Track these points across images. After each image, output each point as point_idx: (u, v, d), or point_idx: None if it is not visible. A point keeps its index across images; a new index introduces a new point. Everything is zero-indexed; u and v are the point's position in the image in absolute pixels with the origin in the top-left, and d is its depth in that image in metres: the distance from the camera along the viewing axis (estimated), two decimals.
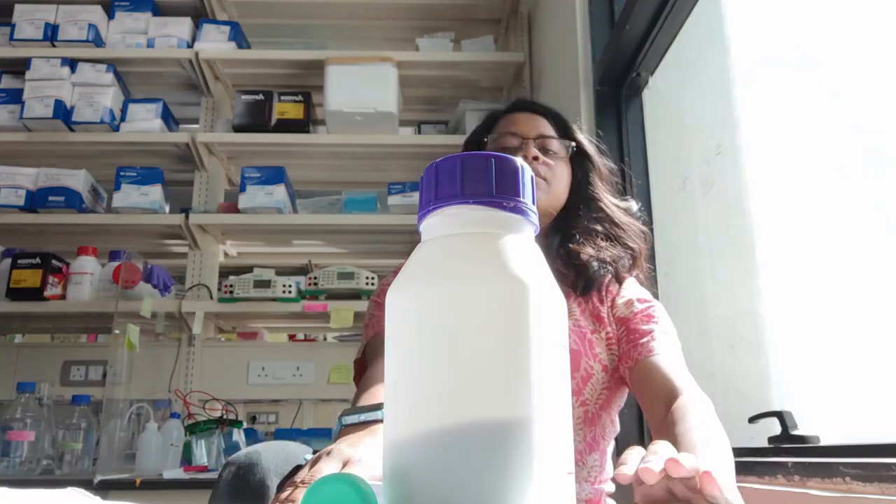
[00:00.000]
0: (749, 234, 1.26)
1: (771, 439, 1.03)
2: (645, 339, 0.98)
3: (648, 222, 1.63)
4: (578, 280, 1.05)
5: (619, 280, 1.07)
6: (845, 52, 1.02)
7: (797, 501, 0.80)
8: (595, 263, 1.04)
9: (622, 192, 1.22)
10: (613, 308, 1.05)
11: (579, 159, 1.13)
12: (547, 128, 1.12)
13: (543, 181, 1.07)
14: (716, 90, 1.44)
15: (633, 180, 1.67)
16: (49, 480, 1.97)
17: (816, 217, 1.07)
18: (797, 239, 1.12)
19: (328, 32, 3.01)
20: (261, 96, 2.59)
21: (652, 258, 1.59)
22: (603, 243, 1.07)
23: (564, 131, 1.13)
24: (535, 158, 1.07)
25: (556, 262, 1.07)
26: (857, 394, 0.96)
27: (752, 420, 1.08)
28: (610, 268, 1.06)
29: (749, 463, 0.95)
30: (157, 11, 2.73)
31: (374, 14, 2.86)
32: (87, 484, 1.80)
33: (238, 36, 2.68)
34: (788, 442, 0.99)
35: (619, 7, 1.79)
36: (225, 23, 2.72)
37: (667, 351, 0.96)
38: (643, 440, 1.48)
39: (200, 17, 2.75)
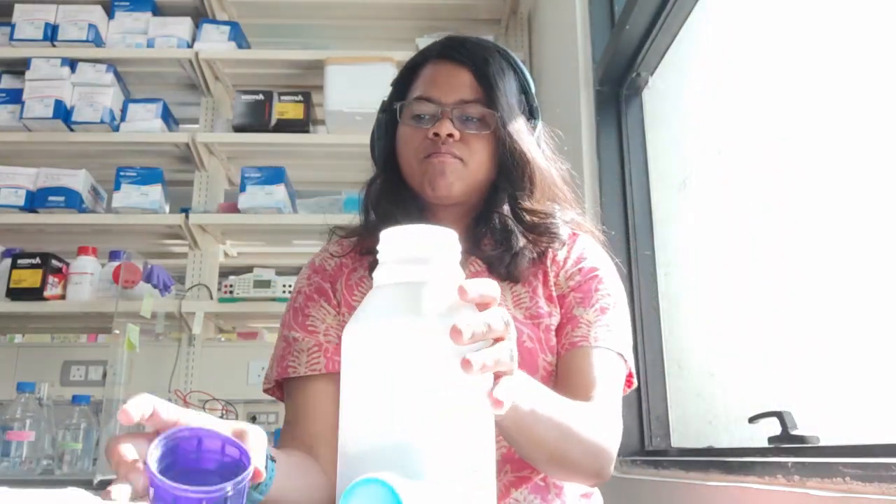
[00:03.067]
0: (749, 234, 1.26)
1: (771, 439, 1.02)
2: (576, 330, 0.91)
3: (648, 223, 1.63)
4: (497, 271, 0.94)
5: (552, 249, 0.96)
6: (846, 51, 1.02)
7: (797, 501, 0.80)
8: (506, 256, 0.93)
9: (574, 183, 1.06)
10: (557, 285, 0.95)
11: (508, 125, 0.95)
12: (469, 88, 0.94)
13: (459, 161, 0.93)
14: (716, 90, 1.44)
15: (633, 180, 1.67)
16: (49, 480, 1.97)
17: (817, 216, 1.07)
18: (797, 238, 1.12)
19: (328, 32, 3.01)
20: (261, 96, 2.59)
21: (652, 258, 1.59)
22: (517, 228, 0.94)
23: (488, 92, 0.94)
24: (450, 136, 0.92)
25: (483, 248, 0.95)
26: (857, 394, 0.96)
27: (752, 420, 1.07)
28: (528, 254, 0.94)
29: (749, 463, 0.95)
30: (157, 11, 2.73)
31: (374, 14, 2.86)
32: (87, 484, 1.80)
33: (238, 36, 2.68)
34: (788, 442, 0.99)
35: (619, 7, 1.79)
36: (225, 23, 2.72)
37: (595, 344, 0.89)
38: (643, 441, 1.48)
39: (200, 17, 2.75)
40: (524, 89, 1.01)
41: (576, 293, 0.94)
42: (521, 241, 0.94)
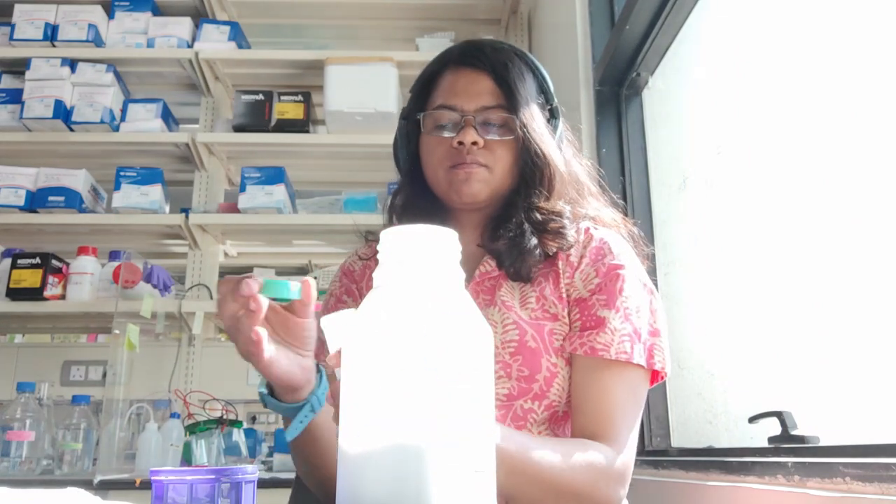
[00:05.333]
0: (749, 234, 1.26)
1: (771, 439, 1.03)
2: (600, 335, 0.87)
3: (648, 223, 1.63)
4: (505, 268, 0.93)
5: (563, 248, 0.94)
6: (845, 51, 1.02)
7: (797, 501, 0.80)
8: (514, 253, 0.92)
9: (602, 188, 1.06)
10: (572, 286, 0.93)
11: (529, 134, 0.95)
12: (489, 94, 0.95)
13: (484, 169, 0.93)
14: (716, 90, 1.44)
15: (633, 180, 1.67)
16: (49, 480, 1.97)
17: (817, 216, 1.07)
18: (797, 238, 1.12)
19: (328, 32, 3.01)
20: (261, 96, 2.59)
21: (652, 258, 1.59)
22: (529, 228, 0.94)
23: (509, 97, 0.94)
24: (475, 143, 0.92)
25: (498, 246, 0.95)
26: (857, 394, 0.96)
27: (752, 420, 1.08)
28: (537, 253, 0.92)
29: (749, 463, 0.95)
30: (157, 11, 2.73)
31: (374, 14, 2.86)
32: (87, 484, 1.80)
33: (238, 36, 2.68)
34: (788, 442, 0.99)
35: (619, 7, 1.79)
36: (225, 23, 2.72)
37: (618, 357, 0.86)
38: (643, 441, 1.48)
39: (200, 17, 2.75)
40: (543, 90, 1.01)
41: (599, 295, 0.90)
42: (533, 241, 0.93)
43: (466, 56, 0.98)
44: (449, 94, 0.97)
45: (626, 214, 1.06)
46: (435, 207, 1.00)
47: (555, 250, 0.94)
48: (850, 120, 1.00)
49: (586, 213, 0.99)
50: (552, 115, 1.01)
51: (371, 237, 1.08)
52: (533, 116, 0.96)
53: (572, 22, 1.91)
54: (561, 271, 0.94)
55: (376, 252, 1.02)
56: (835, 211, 1.03)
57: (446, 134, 0.95)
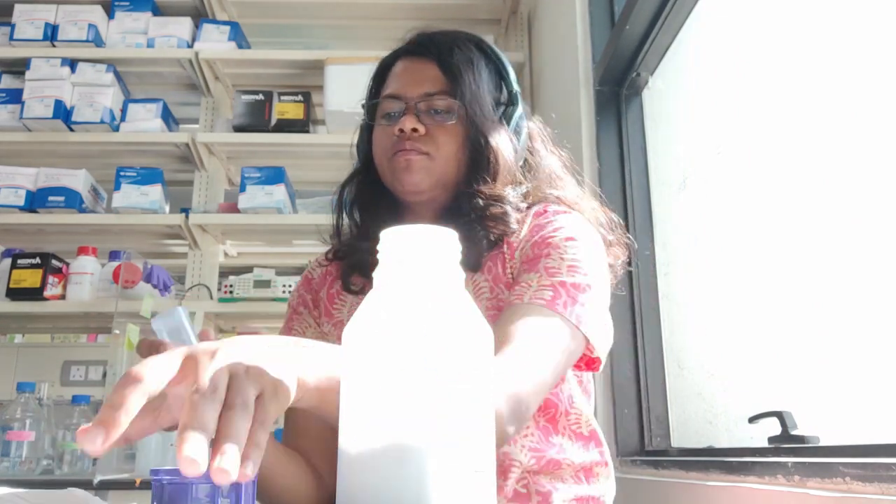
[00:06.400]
0: (749, 234, 1.26)
1: (771, 439, 1.03)
2: (513, 292, 0.83)
3: (648, 223, 1.63)
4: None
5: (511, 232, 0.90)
6: (845, 50, 1.02)
7: (797, 501, 0.80)
8: (465, 244, 0.93)
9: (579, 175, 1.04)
10: (514, 266, 0.90)
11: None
12: (433, 81, 0.93)
13: (425, 156, 0.91)
14: (715, 90, 1.44)
15: (633, 180, 1.67)
16: (49, 480, 1.97)
17: (817, 216, 1.07)
18: (797, 238, 1.12)
19: (328, 32, 3.01)
20: (261, 96, 2.59)
21: (652, 258, 1.59)
22: (473, 214, 0.91)
23: (452, 82, 0.92)
24: (415, 130, 0.91)
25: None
26: (857, 394, 0.96)
27: (752, 420, 1.08)
28: (482, 241, 0.89)
29: (749, 463, 0.95)
30: (157, 11, 2.73)
31: (374, 14, 2.86)
32: (87, 484, 1.80)
33: (238, 36, 2.68)
34: (788, 442, 0.99)
35: (619, 7, 1.79)
36: (225, 23, 2.72)
37: (530, 299, 0.80)
38: (643, 441, 1.48)
39: (200, 17, 2.75)
40: (501, 75, 1.00)
41: (525, 263, 0.87)
42: (476, 228, 0.90)
43: (415, 45, 0.99)
44: (396, 83, 0.96)
45: (621, 212, 1.05)
46: (388, 201, 0.98)
47: (497, 235, 0.91)
48: (850, 120, 1.00)
49: (550, 193, 0.97)
50: (510, 102, 0.99)
51: (333, 240, 1.04)
52: (478, 100, 0.94)
53: (572, 22, 1.91)
54: (506, 255, 0.91)
55: (334, 254, 1.01)
56: (835, 211, 1.03)
57: (392, 123, 0.94)
